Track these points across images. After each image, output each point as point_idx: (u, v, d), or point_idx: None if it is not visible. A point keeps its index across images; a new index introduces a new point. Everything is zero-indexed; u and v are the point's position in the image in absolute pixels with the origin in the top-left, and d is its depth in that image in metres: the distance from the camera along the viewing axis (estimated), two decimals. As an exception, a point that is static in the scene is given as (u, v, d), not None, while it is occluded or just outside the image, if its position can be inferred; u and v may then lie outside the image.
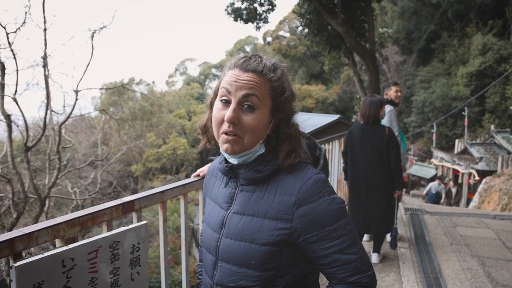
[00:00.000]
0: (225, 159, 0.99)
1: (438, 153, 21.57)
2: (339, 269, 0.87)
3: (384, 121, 3.62)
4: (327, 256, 0.87)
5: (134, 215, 1.43)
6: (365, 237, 3.82)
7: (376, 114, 3.21)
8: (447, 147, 25.11)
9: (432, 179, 16.53)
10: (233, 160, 0.93)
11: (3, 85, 8.01)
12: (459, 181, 16.52)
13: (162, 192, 1.57)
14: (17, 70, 8.48)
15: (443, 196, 11.74)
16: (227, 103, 0.89)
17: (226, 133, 0.88)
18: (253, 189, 0.93)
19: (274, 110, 0.92)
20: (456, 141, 23.45)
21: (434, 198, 11.36)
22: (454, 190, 12.61)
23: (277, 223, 0.87)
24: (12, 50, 8.20)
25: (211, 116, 0.97)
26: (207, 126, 1.00)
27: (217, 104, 0.92)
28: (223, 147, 0.90)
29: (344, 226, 0.87)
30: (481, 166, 16.78)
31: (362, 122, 3.29)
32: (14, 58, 8.33)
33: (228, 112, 0.86)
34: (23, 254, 1.00)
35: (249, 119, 0.87)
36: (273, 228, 0.87)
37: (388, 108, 3.73)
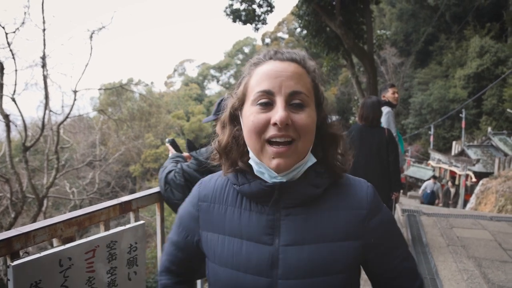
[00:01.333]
0: (257, 177, 0.77)
1: (435, 155, 21.64)
2: (406, 277, 0.82)
3: (382, 123, 3.63)
4: (396, 266, 0.81)
5: (131, 215, 1.44)
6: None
7: (378, 116, 3.22)
8: (445, 149, 25.18)
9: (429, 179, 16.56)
10: (279, 179, 0.75)
11: (2, 85, 8.01)
12: (456, 182, 16.57)
13: (160, 192, 1.58)
14: (16, 70, 8.51)
15: (440, 195, 11.62)
16: (267, 105, 0.72)
17: (275, 143, 0.71)
18: (305, 211, 0.76)
19: (317, 108, 0.78)
20: (453, 143, 23.53)
21: (429, 198, 11.08)
22: (452, 191, 12.56)
23: (349, 243, 0.76)
24: (11, 50, 8.24)
25: (236, 132, 0.80)
26: (229, 146, 0.80)
27: (251, 109, 0.73)
28: (272, 163, 0.72)
29: (401, 233, 0.83)
30: (478, 168, 16.84)
31: (361, 124, 3.29)
32: (13, 58, 8.37)
33: (280, 112, 0.69)
34: (21, 254, 1.00)
35: (302, 117, 0.72)
36: (346, 250, 0.75)
37: (385, 109, 3.73)
